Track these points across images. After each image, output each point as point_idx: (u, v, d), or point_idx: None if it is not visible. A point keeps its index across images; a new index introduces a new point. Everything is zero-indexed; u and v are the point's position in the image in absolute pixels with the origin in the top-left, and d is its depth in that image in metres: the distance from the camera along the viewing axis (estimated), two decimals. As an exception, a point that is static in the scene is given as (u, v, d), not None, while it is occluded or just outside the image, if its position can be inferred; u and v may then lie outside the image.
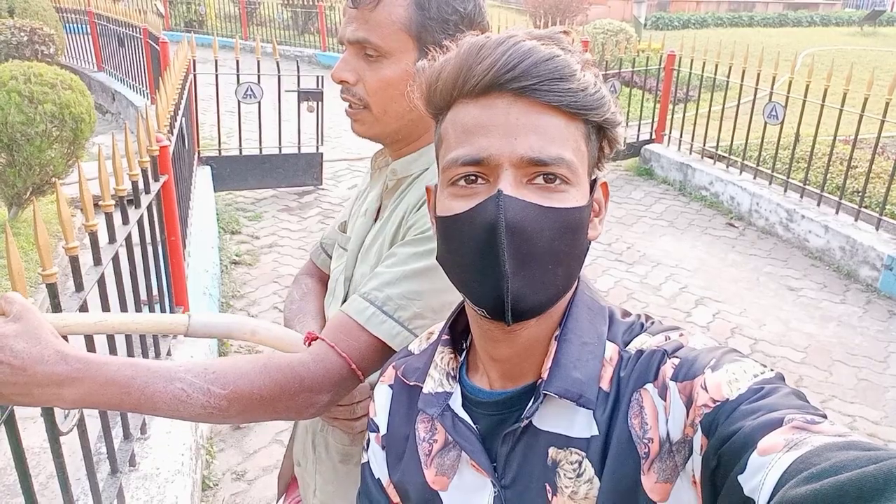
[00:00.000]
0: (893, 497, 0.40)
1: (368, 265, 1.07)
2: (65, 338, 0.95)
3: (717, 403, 0.58)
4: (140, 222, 2.36)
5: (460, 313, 0.82)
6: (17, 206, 4.49)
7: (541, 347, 0.71)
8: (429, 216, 0.78)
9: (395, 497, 0.85)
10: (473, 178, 0.66)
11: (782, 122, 5.44)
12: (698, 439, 0.59)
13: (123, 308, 2.13)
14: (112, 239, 2.02)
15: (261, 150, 5.84)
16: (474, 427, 0.73)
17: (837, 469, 0.44)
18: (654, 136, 7.01)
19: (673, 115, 6.81)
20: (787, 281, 4.72)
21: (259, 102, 5.55)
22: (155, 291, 2.70)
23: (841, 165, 5.42)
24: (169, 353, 2.69)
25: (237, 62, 5.51)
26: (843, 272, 4.80)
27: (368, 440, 0.88)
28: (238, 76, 5.50)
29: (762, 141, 5.68)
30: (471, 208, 0.65)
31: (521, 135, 0.64)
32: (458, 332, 0.82)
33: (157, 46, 6.30)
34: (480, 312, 0.68)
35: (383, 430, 0.85)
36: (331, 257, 1.29)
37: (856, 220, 4.93)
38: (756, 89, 5.73)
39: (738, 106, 5.96)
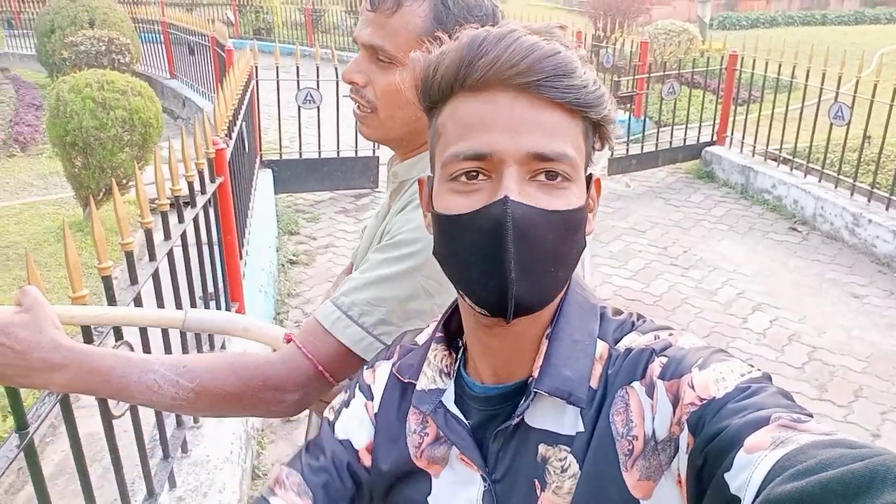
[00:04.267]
0: (878, 494, 0.40)
1: None
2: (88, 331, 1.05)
3: (704, 402, 0.58)
4: (196, 221, 2.48)
5: (455, 310, 0.81)
6: (89, 207, 4.74)
7: (532, 344, 0.72)
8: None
9: (367, 461, 0.82)
10: (474, 173, 0.65)
11: (849, 123, 5.25)
12: (685, 438, 0.59)
13: (178, 303, 2.24)
14: (167, 236, 2.14)
15: (320, 153, 5.99)
16: (466, 422, 0.74)
17: (823, 466, 0.44)
18: (715, 138, 6.85)
19: (735, 116, 6.64)
20: (852, 288, 4.55)
21: (318, 107, 5.70)
22: (211, 288, 2.83)
23: (913, 168, 5.18)
24: (223, 347, 2.80)
25: (297, 68, 5.67)
26: (913, 279, 4.59)
27: (350, 400, 0.85)
28: (298, 82, 5.66)
29: (828, 143, 5.49)
30: (475, 211, 0.64)
31: (526, 131, 0.63)
32: (452, 329, 0.82)
33: (223, 54, 6.55)
34: (480, 311, 0.68)
35: (375, 407, 0.84)
36: None
37: (928, 224, 4.71)
38: (822, 89, 5.54)
39: (802, 107, 5.77)
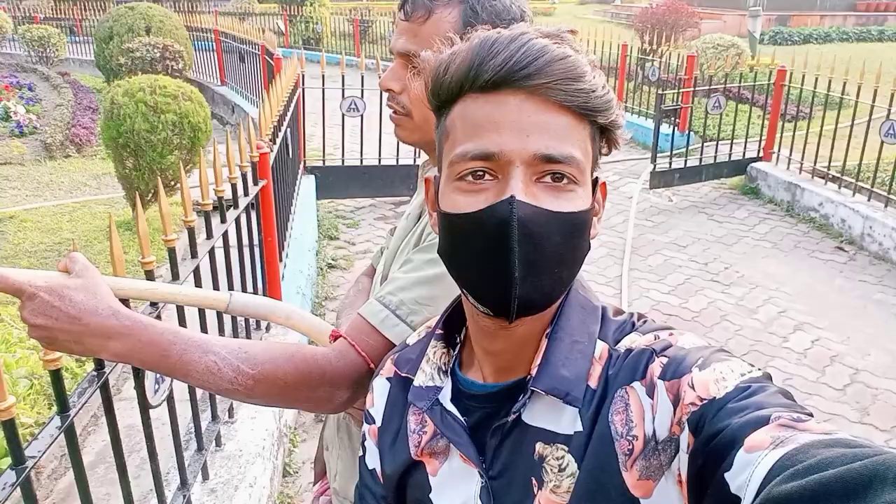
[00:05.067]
0: (878, 493, 0.39)
1: (398, 265, 1.11)
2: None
3: (704, 402, 0.58)
4: (238, 222, 2.54)
5: (455, 308, 0.83)
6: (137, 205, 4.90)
7: (534, 343, 0.72)
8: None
9: (381, 477, 0.86)
10: (481, 173, 0.66)
11: (901, 142, 5.11)
12: (685, 437, 0.59)
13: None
14: (209, 235, 2.21)
15: (362, 161, 6.08)
16: (462, 420, 0.75)
17: (823, 466, 0.44)
18: (761, 154, 6.74)
19: (783, 132, 6.52)
20: (900, 310, 4.42)
21: (362, 116, 5.79)
22: (251, 289, 2.90)
23: (968, 189, 5.02)
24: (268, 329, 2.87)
25: (342, 77, 5.77)
26: (966, 303, 4.44)
27: (364, 433, 0.88)
28: (343, 91, 5.76)
29: (878, 161, 5.36)
30: (480, 209, 0.65)
31: (534, 132, 0.64)
32: (452, 327, 0.82)
33: (272, 62, 6.71)
34: (483, 310, 0.68)
35: (378, 423, 0.85)
36: None
37: (982, 247, 4.55)
38: (873, 107, 5.41)
39: (852, 124, 5.65)
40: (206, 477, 2.15)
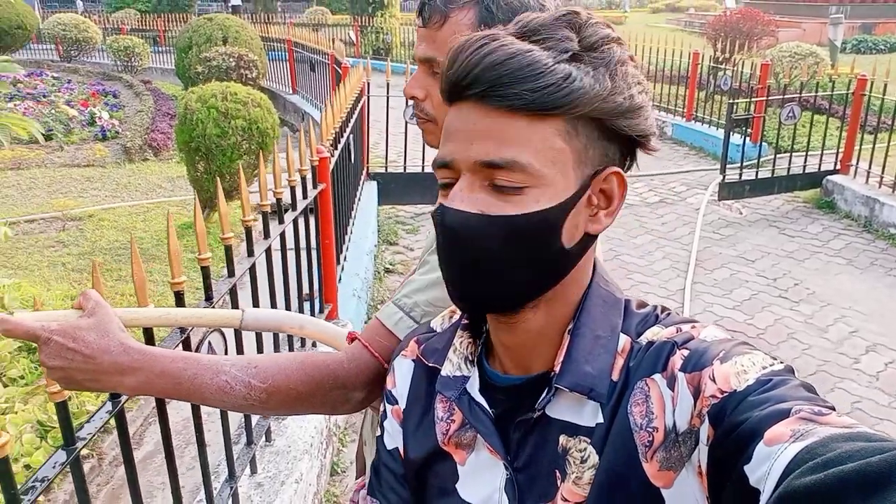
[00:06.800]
0: None
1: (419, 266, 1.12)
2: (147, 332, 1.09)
3: (725, 394, 0.58)
4: (296, 224, 2.61)
5: None
6: (209, 209, 5.08)
7: (550, 338, 0.72)
8: None
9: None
10: (447, 180, 0.70)
11: None
12: (705, 430, 0.59)
13: (273, 301, 2.37)
14: (266, 236, 2.27)
15: (423, 168, 6.14)
16: (490, 411, 0.75)
17: (842, 459, 0.44)
18: (838, 167, 6.46)
19: (861, 144, 6.24)
20: None
21: (425, 123, 5.84)
22: (307, 290, 2.97)
23: None
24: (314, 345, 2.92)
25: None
26: None
27: (385, 412, 0.89)
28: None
29: (966, 175, 5.07)
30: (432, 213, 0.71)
31: (477, 139, 0.65)
32: (477, 317, 0.83)
33: (340, 71, 6.86)
34: (458, 305, 0.73)
35: (402, 404, 0.86)
36: None
37: None
38: (961, 118, 5.12)
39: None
40: (254, 470, 2.21)
